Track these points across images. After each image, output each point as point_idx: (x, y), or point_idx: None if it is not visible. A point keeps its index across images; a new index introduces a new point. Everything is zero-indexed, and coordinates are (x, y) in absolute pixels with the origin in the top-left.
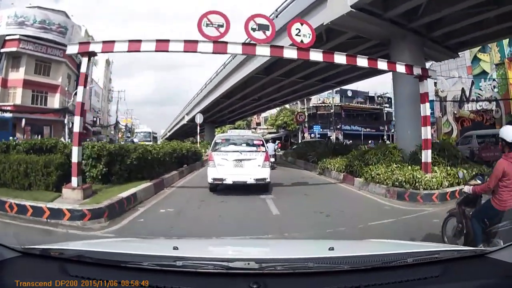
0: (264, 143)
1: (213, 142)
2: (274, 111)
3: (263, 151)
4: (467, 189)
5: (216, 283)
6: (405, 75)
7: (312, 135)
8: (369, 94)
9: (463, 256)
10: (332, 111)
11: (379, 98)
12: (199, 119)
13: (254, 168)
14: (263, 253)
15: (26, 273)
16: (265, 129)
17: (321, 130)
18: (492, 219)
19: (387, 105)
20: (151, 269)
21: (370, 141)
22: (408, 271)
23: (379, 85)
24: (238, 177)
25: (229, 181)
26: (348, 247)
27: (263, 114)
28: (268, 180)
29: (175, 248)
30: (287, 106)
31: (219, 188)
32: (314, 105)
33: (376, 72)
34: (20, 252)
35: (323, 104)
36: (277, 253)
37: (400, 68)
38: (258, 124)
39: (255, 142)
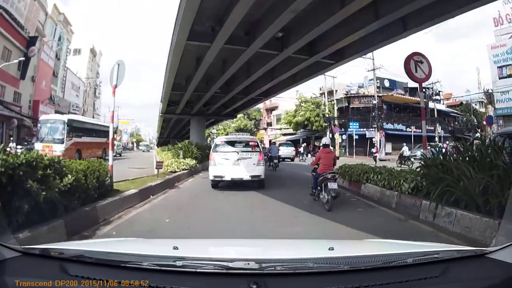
0: (259, 144)
1: (213, 144)
2: (291, 106)
3: (258, 151)
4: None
5: (216, 283)
6: None
7: (344, 137)
8: (409, 86)
9: (463, 256)
10: (375, 102)
11: (426, 90)
12: (115, 74)
13: (250, 166)
14: (263, 253)
15: (26, 273)
16: (278, 129)
17: (358, 129)
18: (318, 177)
19: (438, 97)
20: (151, 269)
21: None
22: (408, 271)
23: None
24: (236, 174)
25: (227, 178)
26: (348, 247)
27: (275, 112)
28: (262, 177)
29: (175, 248)
30: (307, 97)
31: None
32: (346, 96)
33: None
34: (20, 252)
35: (358, 95)
36: (277, 253)
37: None
38: (269, 124)
39: (250, 143)
